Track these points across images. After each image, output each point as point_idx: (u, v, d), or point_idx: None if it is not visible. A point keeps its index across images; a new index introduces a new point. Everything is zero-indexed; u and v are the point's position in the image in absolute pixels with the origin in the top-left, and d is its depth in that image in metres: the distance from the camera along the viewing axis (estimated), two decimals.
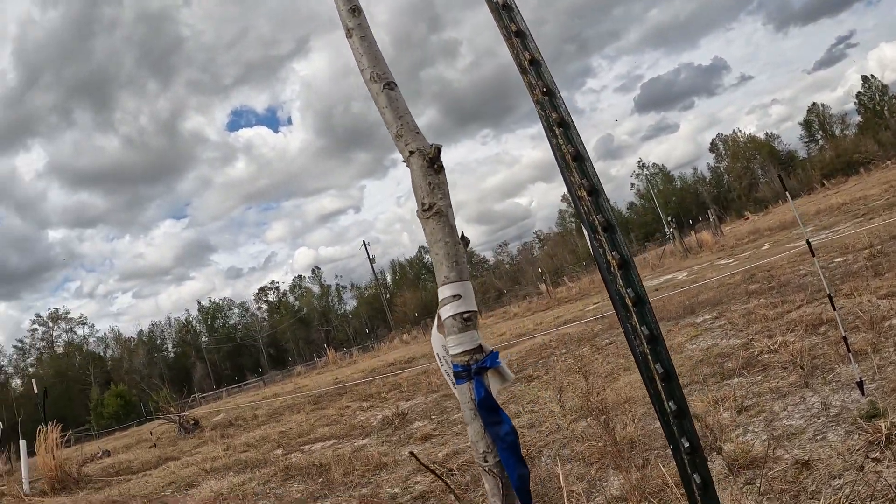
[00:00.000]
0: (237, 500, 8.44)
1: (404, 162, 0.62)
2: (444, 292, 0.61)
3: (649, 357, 1.84)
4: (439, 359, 0.80)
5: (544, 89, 2.13)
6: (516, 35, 2.21)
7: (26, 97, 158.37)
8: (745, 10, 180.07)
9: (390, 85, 0.59)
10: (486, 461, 0.91)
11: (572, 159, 2.01)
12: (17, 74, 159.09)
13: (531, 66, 2.19)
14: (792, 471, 4.13)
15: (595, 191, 1.99)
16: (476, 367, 0.58)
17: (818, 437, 4.57)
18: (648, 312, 1.84)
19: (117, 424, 60.29)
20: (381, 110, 0.60)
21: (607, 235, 1.90)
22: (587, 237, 1.97)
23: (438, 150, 0.60)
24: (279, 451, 11.94)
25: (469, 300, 0.61)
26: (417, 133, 0.60)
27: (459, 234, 0.59)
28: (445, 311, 0.61)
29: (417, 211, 0.61)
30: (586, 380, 5.06)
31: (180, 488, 10.55)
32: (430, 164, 0.60)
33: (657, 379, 1.83)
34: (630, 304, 1.81)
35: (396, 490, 6.84)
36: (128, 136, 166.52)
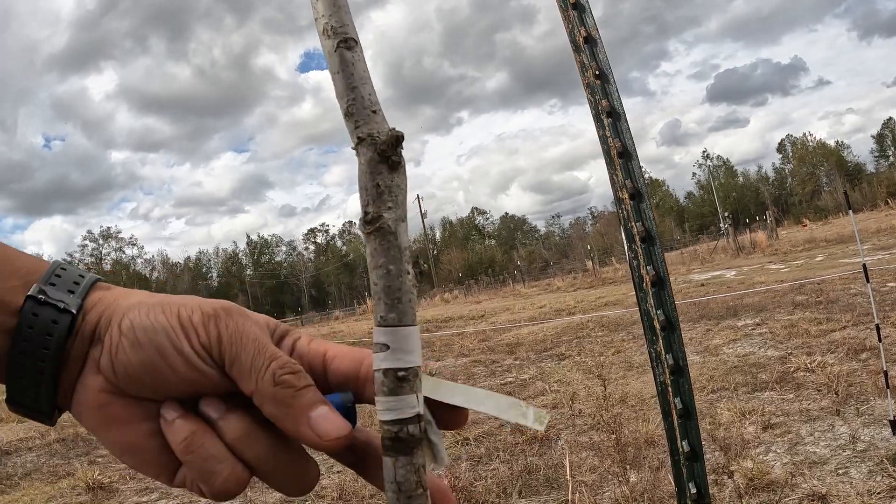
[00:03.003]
0: None
1: (353, 149, 0.51)
2: (376, 336, 0.51)
3: (669, 389, 1.69)
4: None
5: (597, 72, 1.97)
6: (574, 7, 2.04)
7: (104, 21, 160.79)
8: (832, 12, 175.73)
9: (347, 43, 0.48)
10: None
11: (618, 155, 1.86)
12: None
13: (586, 44, 2.03)
14: (807, 503, 3.97)
15: (639, 195, 1.83)
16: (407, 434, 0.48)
17: (840, 471, 4.39)
18: (677, 340, 1.69)
19: None
20: (333, 76, 0.49)
21: (645, 247, 1.74)
22: (624, 245, 1.82)
23: (397, 139, 0.49)
24: None
25: (408, 353, 0.49)
26: (374, 112, 0.49)
27: (412, 260, 0.48)
28: (376, 361, 0.51)
29: (359, 221, 0.50)
30: (604, 387, 4.93)
31: None
32: (383, 159, 0.49)
33: (674, 414, 1.67)
34: (658, 327, 1.66)
35: None
36: (200, 67, 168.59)
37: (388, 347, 0.57)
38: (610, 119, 1.92)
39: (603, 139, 1.91)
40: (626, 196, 1.84)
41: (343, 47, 0.59)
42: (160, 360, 0.60)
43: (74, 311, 0.62)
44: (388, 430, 0.56)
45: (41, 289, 0.62)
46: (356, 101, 0.58)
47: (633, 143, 1.90)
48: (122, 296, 0.65)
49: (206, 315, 0.62)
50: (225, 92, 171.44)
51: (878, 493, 3.92)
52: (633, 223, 1.73)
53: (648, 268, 1.68)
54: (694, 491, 1.69)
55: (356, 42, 0.59)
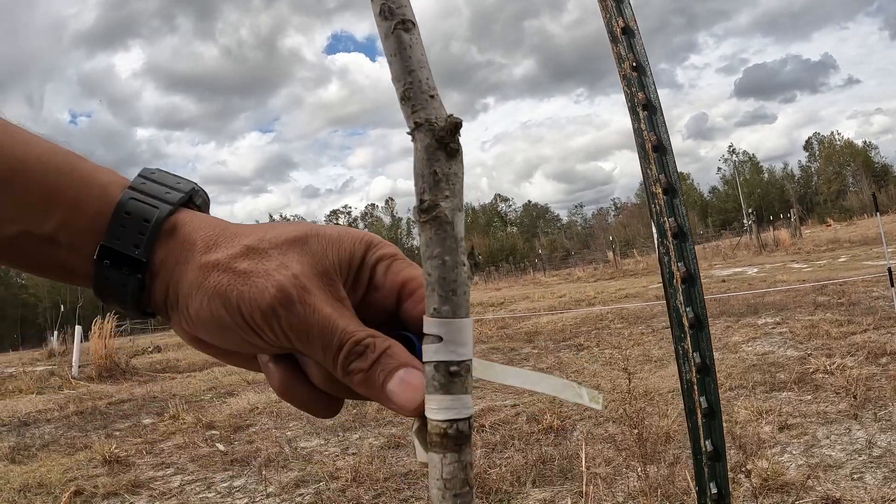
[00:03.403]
0: (271, 416, 8.55)
1: (408, 134, 0.51)
2: (428, 327, 0.50)
3: (695, 387, 1.68)
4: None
5: (634, 64, 1.96)
6: None
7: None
8: (865, 10, 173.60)
9: (405, 24, 0.47)
10: None
11: (653, 149, 1.85)
12: None
13: (623, 35, 2.02)
14: None
15: (672, 190, 1.82)
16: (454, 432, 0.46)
17: (855, 476, 4.38)
18: (705, 339, 1.68)
19: None
20: (389, 59, 0.48)
21: (676, 243, 1.73)
22: (655, 240, 1.81)
23: (456, 125, 0.48)
24: None
25: (461, 346, 0.49)
26: (431, 97, 0.48)
27: (468, 250, 0.49)
28: (427, 353, 0.50)
29: (413, 209, 0.50)
30: (629, 380, 4.93)
31: (219, 395, 10.78)
32: (441, 145, 0.48)
33: (699, 413, 1.67)
34: (687, 325, 1.65)
35: None
36: (227, 46, 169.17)
37: (440, 339, 0.56)
38: (646, 112, 1.91)
39: (638, 132, 1.90)
40: (660, 191, 1.83)
41: (400, 29, 0.58)
42: (236, 346, 0.65)
43: (140, 287, 0.66)
44: (436, 425, 0.56)
45: (106, 248, 0.64)
46: (413, 85, 0.57)
47: (668, 136, 1.89)
48: (180, 262, 0.65)
49: (266, 314, 0.62)
50: (251, 72, 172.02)
51: (892, 501, 3.91)
52: (665, 218, 1.72)
53: (679, 264, 1.67)
54: (715, 491, 1.70)
55: (413, 24, 0.59)
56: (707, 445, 1.68)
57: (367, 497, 5.17)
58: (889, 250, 5.81)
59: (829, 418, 5.57)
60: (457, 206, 0.57)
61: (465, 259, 0.57)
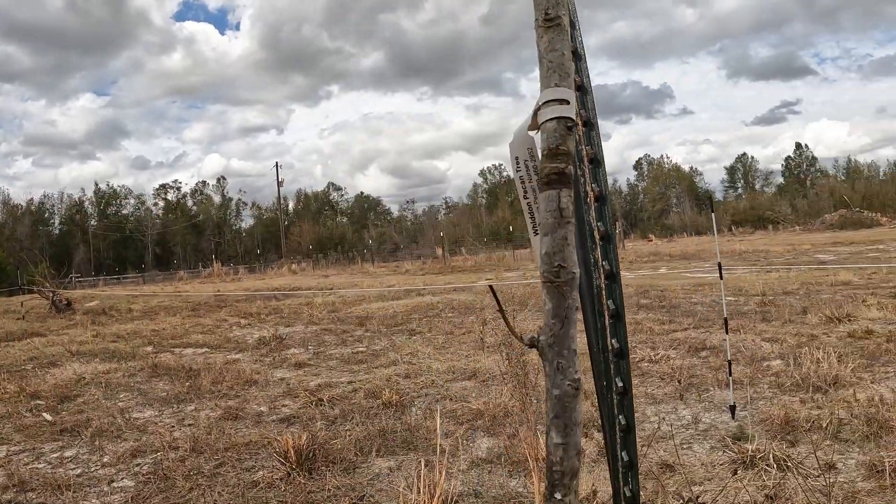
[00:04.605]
0: (99, 387, 8.25)
1: None
2: (547, 95, 0.63)
3: (604, 292, 1.85)
4: (517, 163, 0.76)
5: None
6: None
7: None
8: (707, 49, 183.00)
9: None
10: (559, 276, 0.89)
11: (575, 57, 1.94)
12: None
13: None
14: (656, 469, 4.24)
15: (590, 124, 1.95)
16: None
17: (684, 446, 4.73)
18: (612, 250, 1.86)
19: None
20: None
21: (591, 168, 1.87)
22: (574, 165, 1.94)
23: None
24: (149, 349, 11.79)
25: (572, 108, 0.63)
26: None
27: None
28: (546, 114, 0.63)
29: (536, 21, 0.65)
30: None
31: (42, 365, 10.29)
32: None
33: (606, 315, 1.84)
34: (598, 237, 1.81)
35: (263, 409, 6.80)
36: None
37: (566, 103, 0.69)
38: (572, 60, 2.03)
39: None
40: (580, 123, 1.95)
41: None
42: None
43: None
44: (552, 167, 0.67)
45: None
46: None
47: (583, 47, 2.01)
48: None
49: None
50: (94, 29, 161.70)
51: (721, 465, 4.26)
52: (583, 147, 1.85)
53: (594, 185, 1.82)
54: (620, 385, 1.86)
55: None
56: (613, 344, 1.85)
57: (208, 467, 5.10)
58: (706, 265, 6.29)
59: (656, 399, 5.96)
60: (568, 21, 0.71)
61: (571, 54, 0.71)
